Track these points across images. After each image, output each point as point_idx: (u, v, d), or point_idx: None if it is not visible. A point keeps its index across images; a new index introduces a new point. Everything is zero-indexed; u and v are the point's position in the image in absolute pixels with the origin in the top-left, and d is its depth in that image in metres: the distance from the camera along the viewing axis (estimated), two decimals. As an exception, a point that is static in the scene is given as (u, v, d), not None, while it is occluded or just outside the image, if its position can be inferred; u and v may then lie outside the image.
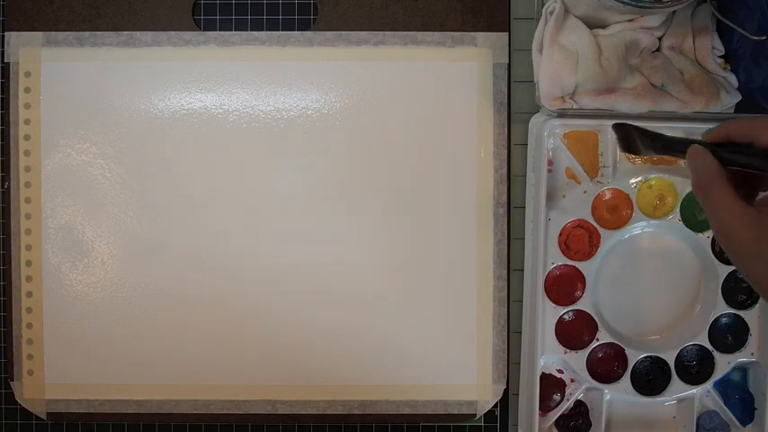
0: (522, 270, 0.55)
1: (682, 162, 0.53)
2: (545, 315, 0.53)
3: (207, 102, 0.55)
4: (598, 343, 0.54)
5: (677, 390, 0.54)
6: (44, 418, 0.56)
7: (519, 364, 0.55)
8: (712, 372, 0.54)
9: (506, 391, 0.56)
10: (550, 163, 0.53)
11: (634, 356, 0.54)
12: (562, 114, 0.52)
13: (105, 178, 0.55)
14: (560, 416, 0.54)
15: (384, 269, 0.55)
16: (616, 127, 0.46)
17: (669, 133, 0.53)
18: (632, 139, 0.45)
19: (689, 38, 0.52)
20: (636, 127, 0.45)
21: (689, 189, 0.53)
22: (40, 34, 0.55)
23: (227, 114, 0.55)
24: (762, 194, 0.40)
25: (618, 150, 0.53)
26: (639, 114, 0.52)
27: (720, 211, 0.37)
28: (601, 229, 0.53)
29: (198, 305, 0.55)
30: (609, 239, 0.53)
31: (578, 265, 0.53)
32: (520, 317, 0.55)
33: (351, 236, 0.55)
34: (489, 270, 0.55)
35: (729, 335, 0.54)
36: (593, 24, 0.51)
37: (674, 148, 0.43)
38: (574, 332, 0.54)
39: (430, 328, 0.55)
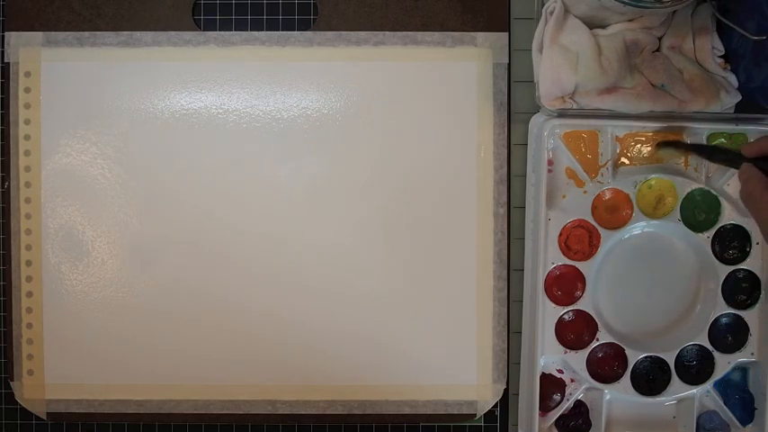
0: (522, 270, 0.55)
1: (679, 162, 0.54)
2: (545, 315, 0.53)
3: (207, 102, 0.55)
4: (598, 343, 0.54)
5: (677, 390, 0.54)
6: (44, 418, 0.56)
7: (519, 364, 0.55)
8: (712, 372, 0.54)
9: (506, 391, 0.56)
10: (550, 163, 0.53)
11: (634, 356, 0.54)
12: (562, 114, 0.52)
13: (105, 178, 0.55)
14: (560, 416, 0.54)
15: (384, 269, 0.55)
16: (666, 146, 0.53)
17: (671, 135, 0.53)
18: (681, 150, 0.53)
19: (689, 38, 0.52)
20: (686, 143, 0.53)
21: (689, 189, 0.53)
22: (39, 34, 0.55)
23: (227, 114, 0.55)
24: None
25: (617, 151, 0.54)
26: (639, 114, 0.52)
27: None
28: (601, 229, 0.53)
29: (198, 305, 0.55)
30: (609, 239, 0.53)
31: (578, 265, 0.53)
32: (520, 317, 0.55)
33: (351, 236, 0.55)
34: (489, 270, 0.55)
35: (729, 335, 0.54)
36: (593, 24, 0.51)
37: (720, 158, 0.50)
38: (574, 332, 0.54)
39: (430, 327, 0.55)
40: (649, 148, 0.54)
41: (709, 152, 0.52)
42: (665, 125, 0.53)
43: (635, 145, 0.54)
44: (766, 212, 0.40)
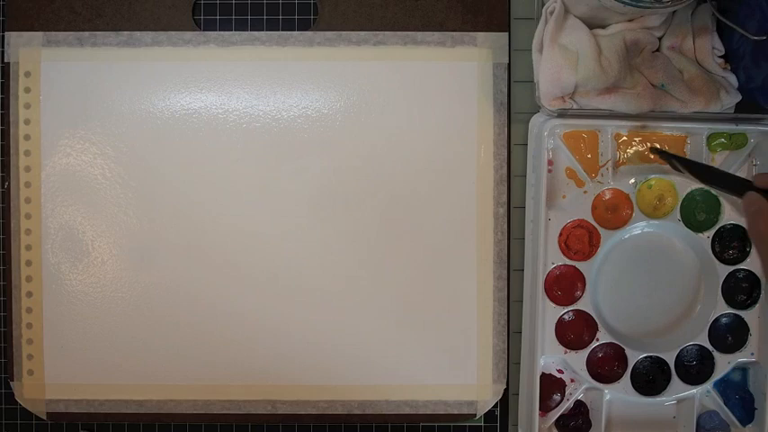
0: (522, 270, 0.55)
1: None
2: (545, 315, 0.53)
3: (207, 102, 0.55)
4: (598, 343, 0.54)
5: (677, 390, 0.54)
6: (44, 418, 0.56)
7: (519, 364, 0.55)
8: (712, 372, 0.54)
9: (506, 391, 0.56)
10: (550, 163, 0.53)
11: (634, 356, 0.54)
12: (562, 114, 0.52)
13: (105, 178, 0.55)
14: (560, 416, 0.54)
15: (384, 269, 0.55)
16: (658, 153, 0.51)
17: (671, 133, 0.53)
18: (673, 165, 0.50)
19: (689, 38, 0.52)
20: (680, 157, 0.50)
21: (689, 189, 0.53)
22: (40, 34, 0.55)
23: (227, 114, 0.55)
24: None
25: (617, 151, 0.54)
26: (639, 114, 0.52)
27: None
28: (601, 229, 0.53)
29: (198, 305, 0.55)
30: (609, 239, 0.53)
31: (578, 265, 0.53)
32: (520, 317, 0.55)
33: (350, 235, 0.55)
34: (489, 270, 0.55)
35: (729, 335, 0.54)
36: (593, 24, 0.51)
37: (722, 184, 0.46)
38: (574, 332, 0.54)
39: (430, 328, 0.55)
40: (646, 147, 0.54)
41: (704, 173, 0.48)
42: (664, 125, 0.53)
43: (635, 145, 0.54)
44: None
